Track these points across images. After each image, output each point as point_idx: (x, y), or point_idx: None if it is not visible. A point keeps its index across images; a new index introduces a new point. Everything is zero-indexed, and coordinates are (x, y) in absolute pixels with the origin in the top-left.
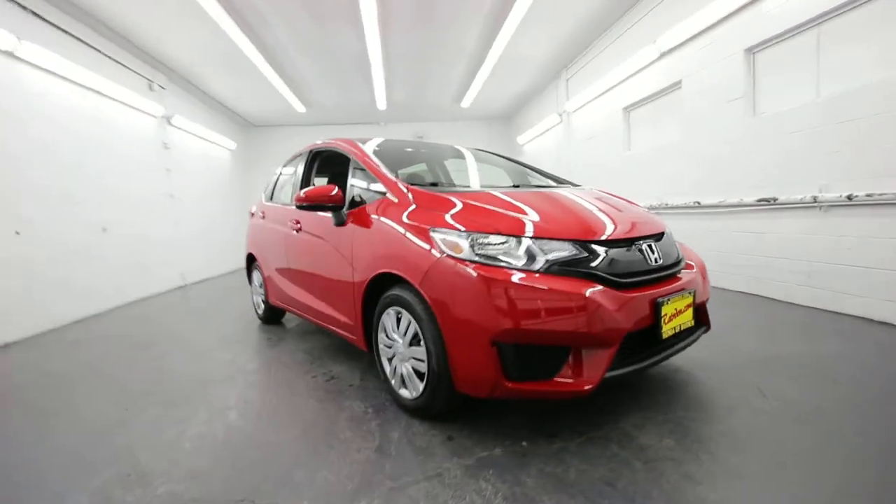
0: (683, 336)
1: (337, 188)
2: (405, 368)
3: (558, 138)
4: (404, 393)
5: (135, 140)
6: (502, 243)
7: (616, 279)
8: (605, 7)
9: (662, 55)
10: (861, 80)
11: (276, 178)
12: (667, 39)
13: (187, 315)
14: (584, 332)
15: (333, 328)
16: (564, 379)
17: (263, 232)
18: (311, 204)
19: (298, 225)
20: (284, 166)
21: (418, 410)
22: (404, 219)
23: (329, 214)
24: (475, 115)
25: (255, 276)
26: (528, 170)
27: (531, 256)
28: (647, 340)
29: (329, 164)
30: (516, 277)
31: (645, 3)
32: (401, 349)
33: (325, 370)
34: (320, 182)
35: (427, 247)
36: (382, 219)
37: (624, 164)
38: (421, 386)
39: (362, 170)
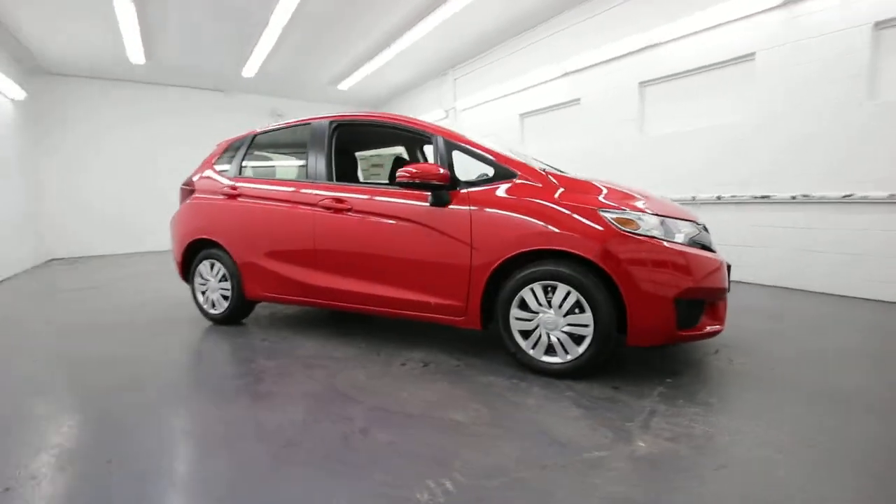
0: None
1: (443, 168)
2: (556, 336)
3: None
4: (550, 359)
5: None
6: (660, 222)
7: (714, 251)
8: (510, 22)
9: (565, 74)
10: (721, 120)
11: (244, 150)
12: (571, 63)
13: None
14: (722, 287)
15: (414, 313)
16: (706, 325)
17: (242, 213)
18: (412, 182)
19: (344, 205)
20: (263, 135)
21: (570, 372)
22: (560, 200)
23: (401, 198)
24: (348, 98)
25: (207, 267)
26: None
27: (675, 232)
28: None
29: (349, 140)
30: (683, 248)
31: (549, 25)
32: (551, 319)
33: (405, 357)
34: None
35: (598, 225)
36: (525, 200)
37: None
38: (580, 349)
39: (464, 151)
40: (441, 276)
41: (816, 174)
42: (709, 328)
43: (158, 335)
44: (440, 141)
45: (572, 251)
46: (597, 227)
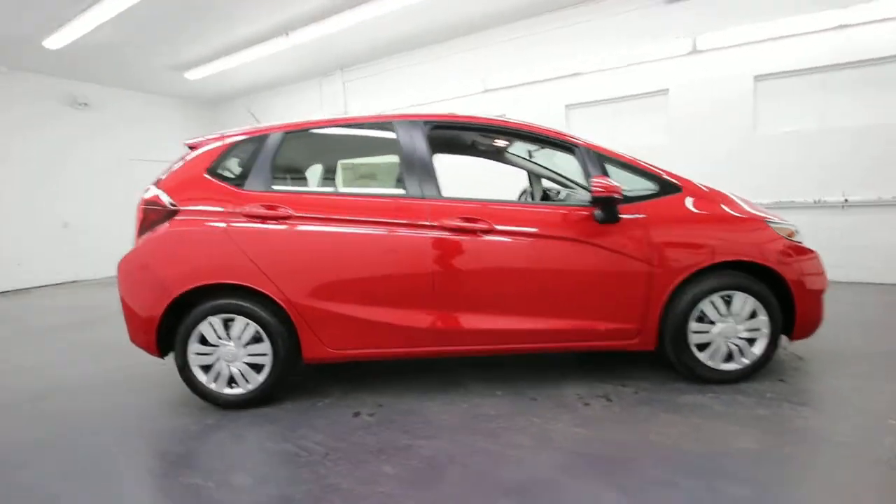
0: None
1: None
2: (735, 343)
3: None
4: (729, 367)
5: None
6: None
7: None
8: (421, 31)
9: (487, 91)
10: (641, 141)
11: (270, 153)
12: (495, 80)
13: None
14: None
15: (577, 343)
16: None
17: (300, 243)
18: (608, 197)
19: (479, 225)
20: (300, 135)
21: (748, 375)
22: (731, 212)
23: (551, 216)
24: (193, 91)
25: (218, 327)
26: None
27: None
28: None
29: (437, 147)
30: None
31: (469, 40)
32: (731, 327)
33: (568, 395)
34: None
35: (772, 235)
36: (702, 213)
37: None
38: (756, 351)
39: (618, 165)
40: (614, 298)
41: (720, 185)
42: None
43: (172, 454)
44: (589, 153)
45: (757, 261)
46: (771, 237)
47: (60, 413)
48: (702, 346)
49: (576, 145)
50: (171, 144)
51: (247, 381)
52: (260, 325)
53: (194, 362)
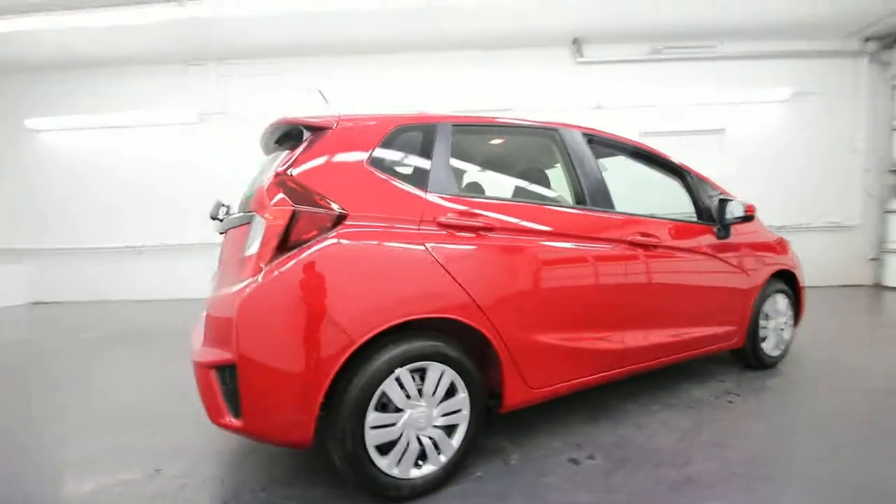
0: None
1: None
2: (786, 334)
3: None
4: (775, 353)
5: None
6: None
7: None
8: (344, 41)
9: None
10: None
11: (443, 147)
12: (426, 105)
13: None
14: None
15: (701, 350)
16: None
17: (505, 261)
18: (746, 216)
19: (651, 240)
20: (466, 129)
21: (783, 357)
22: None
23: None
24: None
25: (407, 383)
26: None
27: None
28: None
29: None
30: None
31: (400, 59)
32: (778, 322)
33: (709, 395)
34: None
35: (790, 248)
36: (764, 234)
37: None
38: (788, 337)
39: (714, 191)
40: (730, 304)
41: None
42: None
43: None
44: (695, 179)
45: (793, 270)
46: (791, 249)
47: None
48: (762, 339)
49: (689, 172)
50: None
51: (438, 451)
52: (457, 372)
53: (373, 441)
